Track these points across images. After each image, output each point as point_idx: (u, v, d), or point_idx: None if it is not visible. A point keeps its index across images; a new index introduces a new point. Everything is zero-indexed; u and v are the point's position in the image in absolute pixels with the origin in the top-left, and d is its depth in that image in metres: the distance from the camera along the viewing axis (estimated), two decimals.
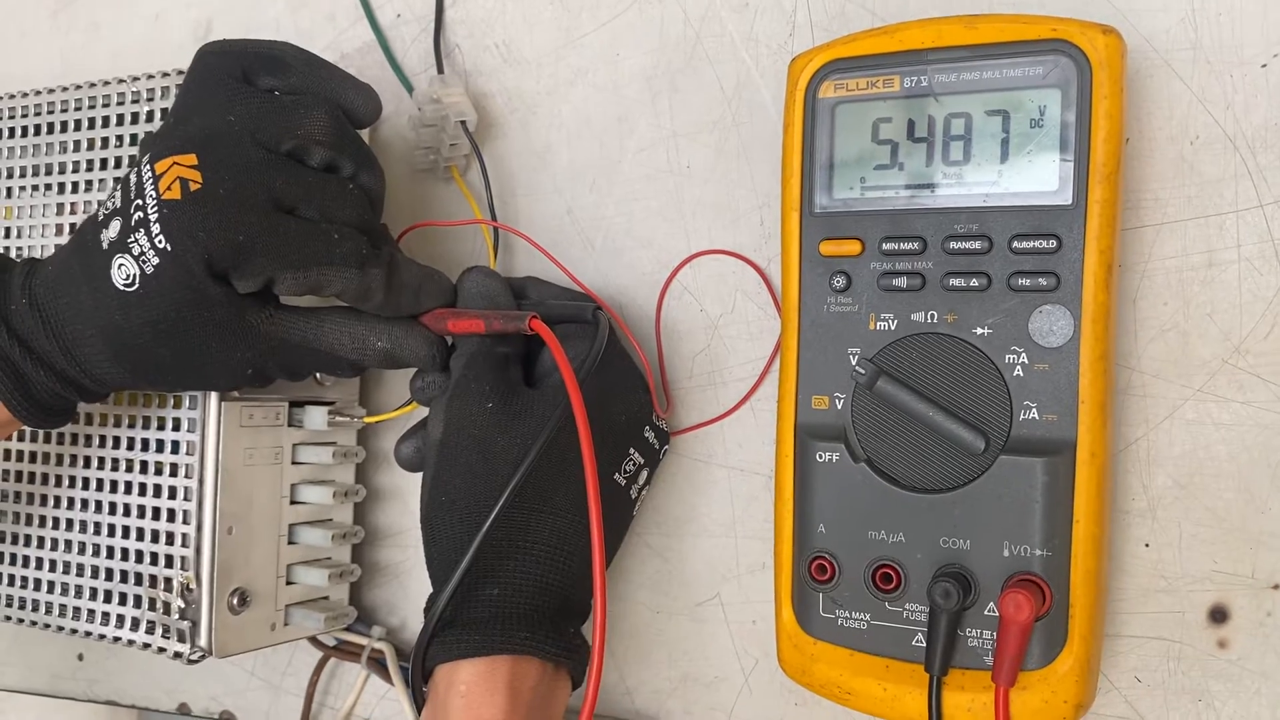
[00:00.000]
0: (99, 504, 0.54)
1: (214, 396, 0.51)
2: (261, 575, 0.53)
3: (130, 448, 0.53)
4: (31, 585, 0.56)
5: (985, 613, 0.43)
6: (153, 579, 0.52)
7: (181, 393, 0.52)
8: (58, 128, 0.58)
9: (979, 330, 0.43)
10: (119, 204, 0.44)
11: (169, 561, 0.52)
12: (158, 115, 0.55)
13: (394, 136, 0.60)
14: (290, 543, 0.55)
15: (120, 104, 0.56)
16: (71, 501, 0.55)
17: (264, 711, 0.64)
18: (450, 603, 0.45)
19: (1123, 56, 0.42)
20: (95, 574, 0.54)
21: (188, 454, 0.52)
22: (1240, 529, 0.45)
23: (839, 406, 0.46)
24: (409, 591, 0.60)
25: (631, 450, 0.49)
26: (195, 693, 0.66)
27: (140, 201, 0.43)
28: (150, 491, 0.53)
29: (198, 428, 0.51)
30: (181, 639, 0.51)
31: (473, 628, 0.45)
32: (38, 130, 0.59)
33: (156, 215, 0.42)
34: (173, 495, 0.52)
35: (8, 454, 0.57)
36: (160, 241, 0.42)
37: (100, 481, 0.54)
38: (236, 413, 0.51)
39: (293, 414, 0.54)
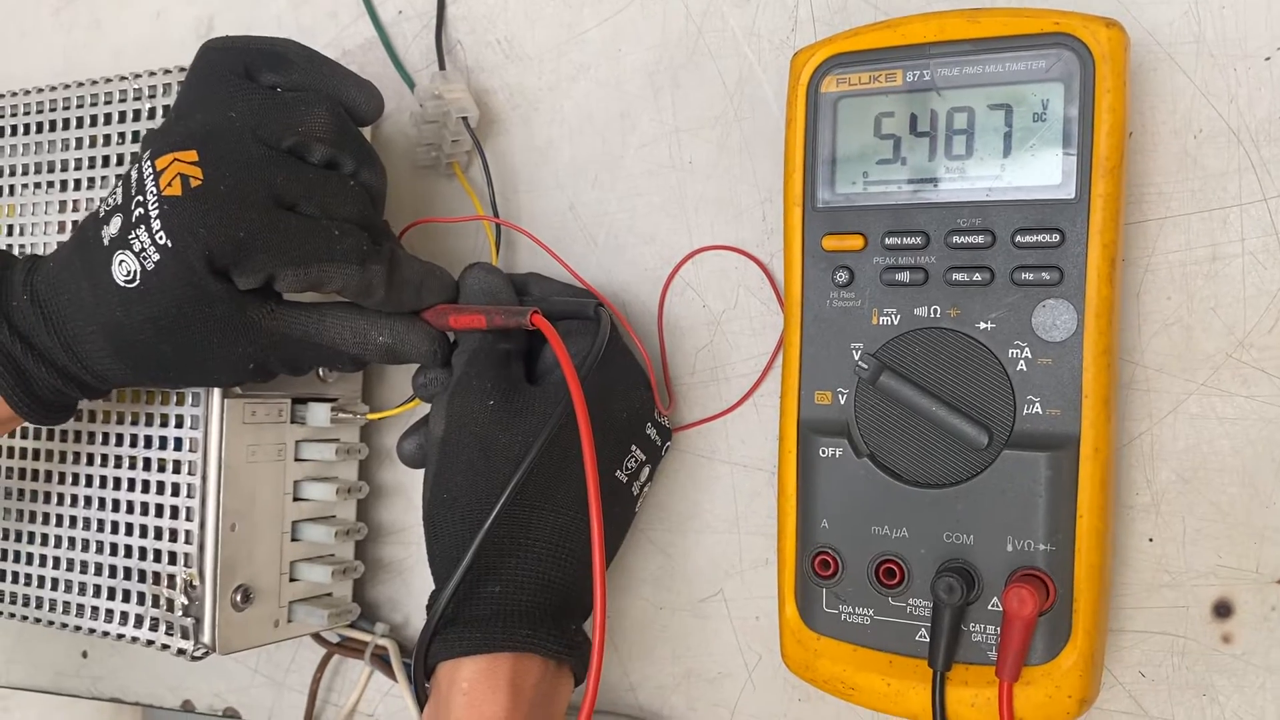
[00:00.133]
0: (102, 501, 0.54)
1: (217, 393, 0.51)
2: (265, 572, 0.53)
3: (133, 445, 0.53)
4: (36, 583, 0.56)
5: (989, 608, 0.43)
6: (156, 576, 0.52)
7: (183, 389, 0.52)
8: (59, 125, 0.58)
9: (982, 325, 0.43)
10: (120, 200, 0.44)
11: (172, 558, 0.52)
12: (159, 113, 0.55)
13: (396, 133, 0.60)
14: (293, 539, 0.55)
15: (122, 102, 0.56)
16: (75, 499, 0.55)
17: (267, 708, 0.64)
18: (452, 600, 0.45)
19: (1126, 50, 0.42)
20: (99, 571, 0.54)
21: (191, 451, 0.52)
22: (1244, 523, 0.45)
23: (842, 402, 0.45)
24: (412, 588, 0.60)
25: (633, 447, 0.49)
26: (199, 689, 0.66)
27: (141, 198, 0.43)
28: (153, 488, 0.53)
29: (200, 424, 0.51)
30: (185, 636, 0.51)
31: (475, 625, 0.45)
32: (39, 128, 0.59)
33: (157, 211, 0.42)
34: (176, 492, 0.52)
35: (11, 452, 0.58)
36: (161, 238, 0.42)
37: (104, 479, 0.54)
38: (239, 409, 0.51)
39: (295, 411, 0.54)
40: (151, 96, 0.55)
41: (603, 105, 0.56)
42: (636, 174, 0.55)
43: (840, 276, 0.45)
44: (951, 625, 0.42)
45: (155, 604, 0.52)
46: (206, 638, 0.51)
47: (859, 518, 0.45)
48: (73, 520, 0.55)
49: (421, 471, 0.50)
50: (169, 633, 0.52)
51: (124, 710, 0.78)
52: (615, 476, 0.48)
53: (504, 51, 0.58)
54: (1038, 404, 0.42)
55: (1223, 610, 0.45)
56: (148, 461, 0.53)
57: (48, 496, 0.56)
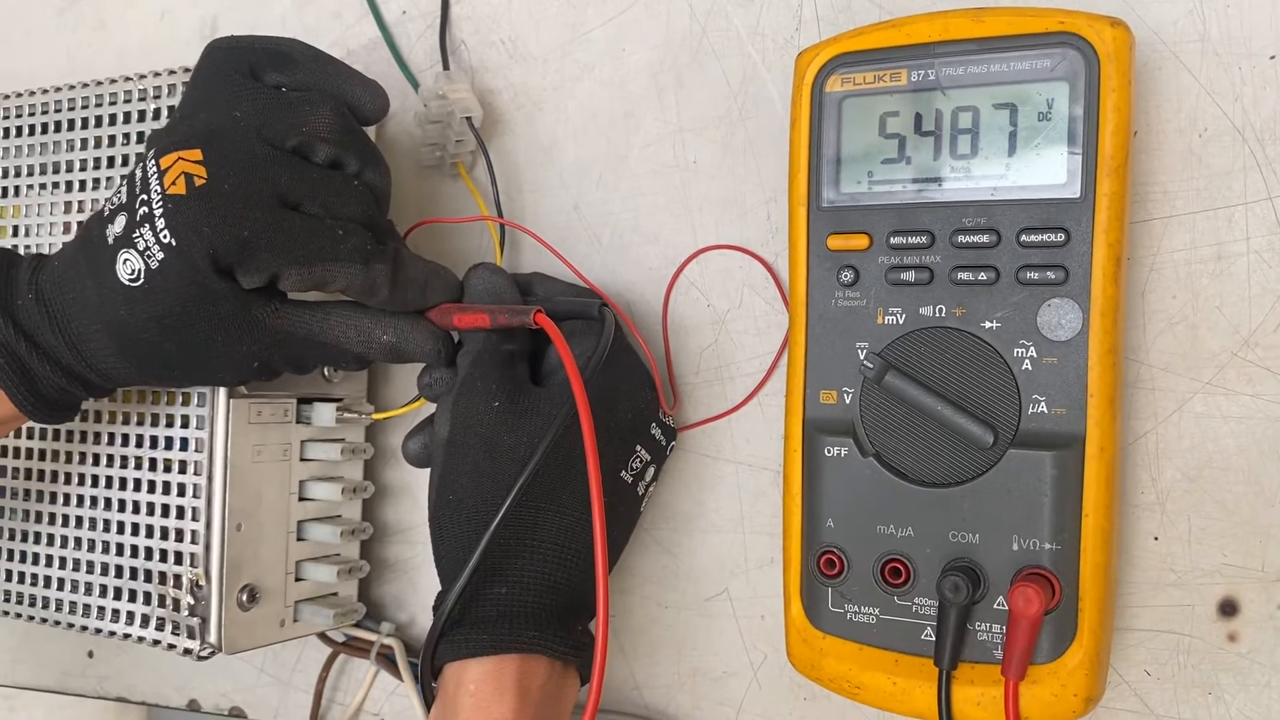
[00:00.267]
0: (108, 501, 0.54)
1: (222, 393, 0.51)
2: (270, 572, 0.53)
3: (139, 445, 0.54)
4: (42, 583, 0.56)
5: (994, 606, 0.43)
6: (162, 576, 0.52)
7: (188, 388, 0.52)
8: (64, 126, 0.58)
9: (987, 324, 0.43)
10: (124, 199, 0.44)
11: (178, 558, 0.52)
12: (164, 113, 0.55)
13: (400, 133, 0.60)
14: (299, 539, 0.55)
15: (126, 102, 0.56)
16: (81, 499, 0.55)
17: (273, 708, 0.64)
18: (458, 602, 0.45)
19: (1131, 49, 0.42)
20: (105, 571, 0.54)
21: (196, 451, 0.52)
22: (1250, 522, 0.45)
23: (847, 401, 0.45)
24: (418, 587, 0.60)
25: (638, 447, 0.49)
26: (205, 689, 0.66)
27: (145, 197, 0.43)
28: (159, 488, 0.53)
29: (206, 424, 0.51)
30: (191, 635, 0.51)
31: (481, 627, 0.45)
32: (44, 129, 0.59)
33: (161, 210, 0.42)
34: (182, 492, 0.52)
35: (17, 452, 0.58)
36: (165, 237, 0.42)
37: (109, 479, 0.54)
38: (245, 410, 0.52)
39: (301, 411, 0.55)
40: (156, 97, 0.55)
41: (607, 105, 0.56)
42: (641, 174, 0.55)
43: (845, 276, 0.45)
44: (957, 624, 0.42)
45: (161, 604, 0.52)
46: (212, 637, 0.51)
47: (864, 517, 0.45)
48: (78, 520, 0.55)
49: (427, 471, 0.50)
50: (175, 632, 0.52)
51: (130, 710, 0.78)
52: (620, 477, 0.48)
53: (508, 51, 0.58)
54: (1043, 403, 0.42)
55: (1228, 609, 0.45)
56: (153, 462, 0.53)
57: (53, 497, 0.56)
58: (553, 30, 0.57)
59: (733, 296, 0.53)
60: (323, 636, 0.60)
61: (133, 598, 0.53)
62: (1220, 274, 0.45)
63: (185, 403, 0.52)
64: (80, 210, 0.57)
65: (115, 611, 0.54)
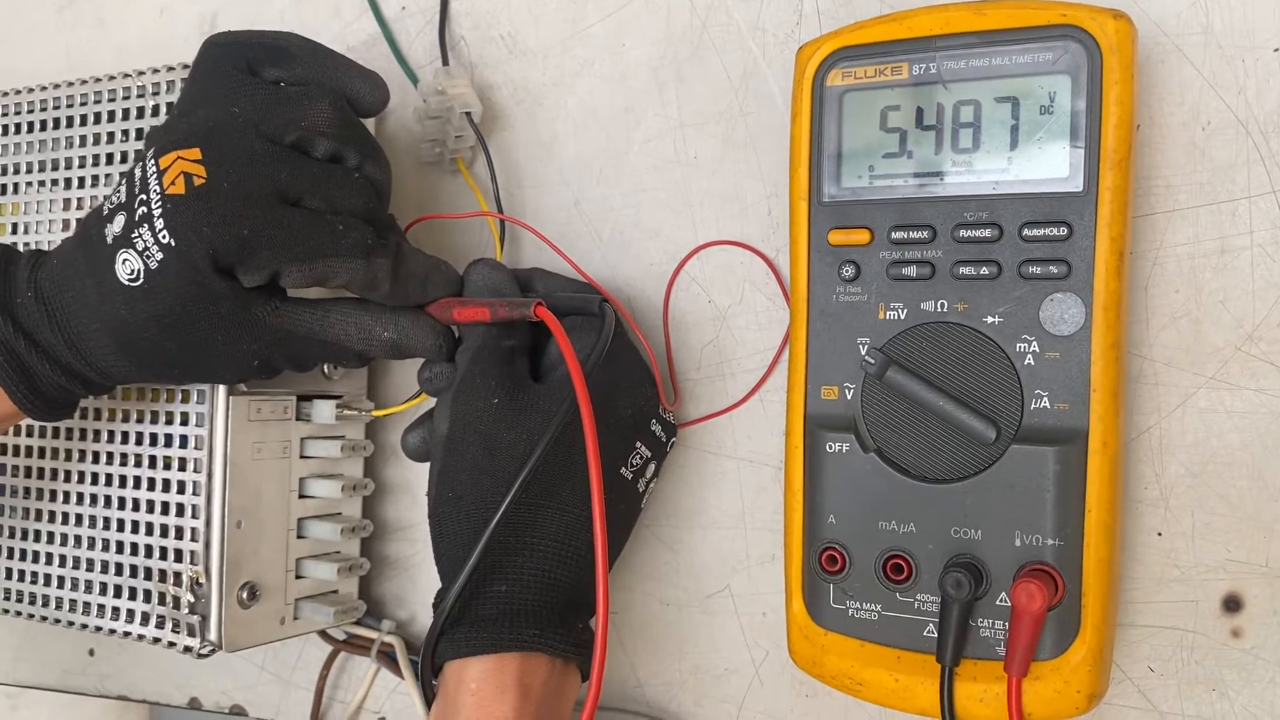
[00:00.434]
0: (108, 499, 0.54)
1: (222, 391, 0.51)
2: (270, 569, 0.53)
3: (139, 443, 0.53)
4: (42, 581, 0.56)
5: (997, 603, 0.42)
6: (162, 574, 0.52)
7: (188, 386, 0.52)
8: (63, 123, 0.58)
9: (989, 319, 0.43)
10: (124, 198, 0.44)
11: (178, 556, 0.52)
12: (163, 110, 0.55)
13: (399, 129, 0.60)
14: (299, 537, 0.55)
15: (125, 99, 0.56)
16: (81, 497, 0.55)
17: (274, 705, 0.64)
18: (458, 600, 0.45)
19: (1133, 42, 0.41)
20: (105, 569, 0.54)
21: (196, 448, 0.52)
22: (1254, 517, 0.44)
23: (848, 397, 0.45)
24: (418, 585, 0.60)
25: (638, 444, 0.49)
26: (206, 687, 0.66)
27: (145, 196, 0.43)
28: (159, 486, 0.53)
29: (206, 422, 0.51)
30: (191, 633, 0.51)
31: (481, 625, 0.45)
32: (44, 126, 0.59)
33: (160, 210, 0.42)
34: (181, 490, 0.52)
35: (17, 450, 0.58)
36: (164, 237, 0.42)
37: (109, 477, 0.54)
38: (244, 407, 0.51)
39: (300, 408, 0.54)
40: (155, 94, 0.55)
41: (607, 100, 0.56)
42: (641, 169, 0.55)
43: (846, 271, 0.45)
44: (960, 620, 0.42)
45: (161, 601, 0.52)
46: (213, 635, 0.51)
47: (866, 513, 0.45)
48: (79, 518, 0.55)
49: (427, 466, 0.50)
50: (175, 630, 0.52)
51: (131, 708, 0.78)
52: (620, 473, 0.48)
53: (507, 47, 0.58)
54: (1046, 398, 0.42)
55: (1232, 605, 0.45)
56: (153, 459, 0.53)
57: (54, 495, 0.56)
58: (552, 25, 0.57)
59: (734, 292, 0.53)
60: (323, 634, 0.60)
61: (133, 596, 0.53)
62: (1224, 268, 0.45)
63: (185, 400, 0.52)
64: (79, 207, 0.57)
65: (115, 609, 0.54)
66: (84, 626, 0.55)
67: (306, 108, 0.45)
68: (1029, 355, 0.42)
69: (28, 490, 0.57)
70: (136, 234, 0.43)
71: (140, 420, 0.53)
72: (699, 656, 0.54)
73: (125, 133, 0.56)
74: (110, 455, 0.54)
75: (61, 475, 0.56)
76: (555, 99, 0.57)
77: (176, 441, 0.52)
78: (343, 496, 0.55)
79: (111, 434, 0.54)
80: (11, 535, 0.57)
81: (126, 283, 0.43)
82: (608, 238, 0.56)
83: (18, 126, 0.59)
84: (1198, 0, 0.45)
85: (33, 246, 0.58)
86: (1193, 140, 0.45)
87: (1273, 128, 0.44)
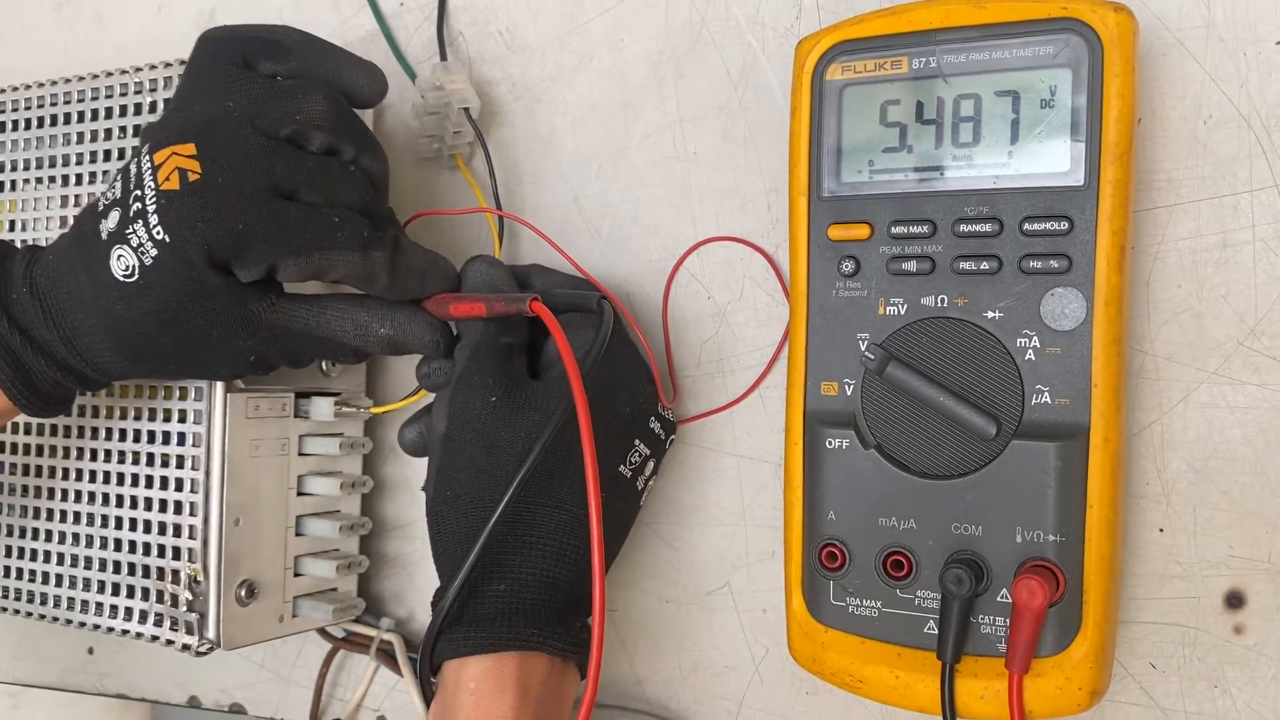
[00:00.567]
0: (106, 497, 0.54)
1: (219, 388, 0.51)
2: (269, 567, 0.53)
3: (136, 440, 0.53)
4: (40, 579, 0.56)
5: (998, 599, 0.42)
6: (160, 571, 0.52)
7: (184, 381, 0.52)
8: (61, 120, 0.58)
9: (990, 314, 0.43)
10: (119, 194, 0.44)
11: (176, 554, 0.52)
12: (161, 107, 0.55)
13: (398, 125, 0.59)
14: (297, 534, 0.54)
15: (123, 95, 0.56)
16: (79, 495, 0.55)
17: (274, 703, 0.64)
18: (457, 599, 0.45)
19: (1134, 35, 0.41)
20: (103, 567, 0.54)
21: (194, 446, 0.51)
22: (1256, 513, 0.44)
23: (848, 393, 0.45)
24: (417, 582, 0.60)
25: (637, 442, 0.49)
26: (205, 685, 0.66)
27: (139, 192, 0.43)
28: (157, 484, 0.52)
29: (203, 419, 0.51)
30: (189, 631, 0.51)
31: (480, 624, 0.45)
32: (41, 122, 0.58)
33: (155, 206, 0.42)
34: (179, 487, 0.52)
35: (14, 448, 0.57)
36: (159, 233, 0.42)
37: (107, 474, 0.54)
38: (242, 404, 0.51)
39: (299, 405, 0.54)
40: (153, 90, 0.55)
41: (606, 96, 0.55)
42: (640, 165, 0.55)
43: (846, 266, 0.45)
44: (960, 617, 0.42)
45: (160, 600, 0.52)
46: (211, 633, 0.51)
47: (866, 509, 0.44)
48: (77, 516, 0.55)
49: (424, 462, 0.50)
50: (173, 628, 0.52)
51: (131, 706, 0.78)
52: (619, 471, 0.48)
53: (506, 42, 0.58)
54: (1047, 393, 0.42)
55: (1234, 601, 0.45)
56: (151, 457, 0.53)
57: (52, 493, 0.56)
58: (551, 21, 0.57)
59: (733, 288, 0.53)
60: (322, 632, 0.60)
61: (131, 594, 0.53)
62: (1225, 262, 0.45)
63: (183, 397, 0.52)
64: (77, 204, 0.57)
65: (113, 607, 0.54)
66: (82, 625, 0.55)
67: (301, 101, 0.44)
68: (1030, 350, 0.42)
69: (25, 488, 0.57)
70: (131, 230, 0.42)
71: (138, 418, 0.53)
72: (699, 654, 0.54)
73: (123, 129, 0.56)
74: (108, 453, 0.54)
75: (59, 473, 0.56)
76: (554, 94, 0.57)
77: (174, 439, 0.52)
78: (341, 494, 0.55)
79: (109, 431, 0.54)
80: (9, 533, 0.57)
81: (122, 278, 0.43)
82: (606, 234, 0.55)
83: (15, 124, 0.59)
84: None
85: (30, 243, 0.58)
86: (1194, 134, 0.45)
87: (1275, 121, 0.44)
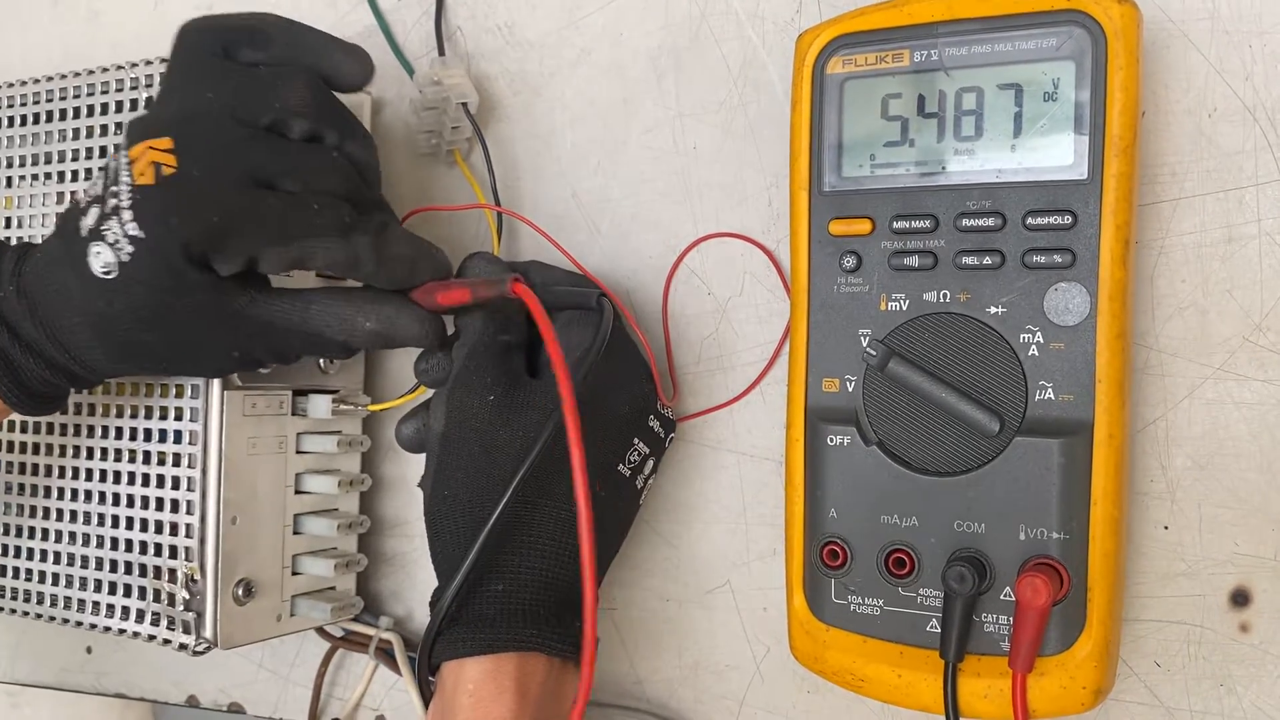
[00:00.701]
0: (103, 496, 0.54)
1: (216, 385, 0.50)
2: (267, 566, 0.52)
3: (133, 438, 0.53)
4: (37, 578, 0.56)
5: (1001, 597, 0.42)
6: (157, 570, 0.52)
7: (174, 378, 0.51)
8: (57, 116, 0.57)
9: (993, 309, 0.42)
10: (99, 191, 0.43)
11: (173, 552, 0.51)
12: None
13: (395, 120, 0.59)
14: (295, 533, 0.54)
15: (119, 91, 0.55)
16: (75, 493, 0.55)
17: (272, 703, 0.64)
18: (455, 599, 0.44)
19: (1138, 27, 0.41)
20: (101, 566, 0.54)
21: (190, 444, 0.51)
22: (1262, 510, 0.44)
23: (850, 389, 0.45)
24: (415, 581, 0.59)
25: (636, 440, 0.49)
26: (204, 684, 0.66)
27: (115, 188, 0.42)
28: (154, 482, 0.52)
29: (200, 417, 0.51)
30: (187, 630, 0.51)
31: (479, 625, 0.44)
32: (38, 119, 0.58)
33: (129, 202, 0.41)
34: (176, 486, 0.51)
35: (10, 447, 0.57)
36: (133, 229, 0.41)
37: (103, 473, 0.54)
38: (239, 402, 0.51)
39: (296, 402, 0.54)
40: (149, 86, 0.55)
41: (605, 91, 0.55)
42: (640, 160, 0.54)
43: (848, 262, 0.45)
44: (963, 615, 0.42)
45: (157, 599, 0.52)
46: (208, 632, 0.50)
47: (868, 507, 0.44)
48: (74, 515, 0.55)
49: (423, 459, 0.49)
50: (171, 627, 0.51)
51: (130, 706, 0.78)
52: (618, 470, 0.48)
53: (504, 37, 0.57)
54: (1050, 389, 0.42)
55: (1240, 599, 0.44)
56: (148, 455, 0.52)
57: (48, 492, 0.56)
58: (549, 15, 0.56)
59: (734, 284, 0.52)
60: (321, 631, 0.60)
61: (128, 593, 0.53)
62: (1231, 257, 0.44)
63: (179, 395, 0.52)
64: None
65: (110, 607, 0.53)
66: (79, 624, 0.54)
67: (281, 88, 0.44)
68: (1033, 346, 0.42)
69: (22, 487, 0.57)
70: (107, 226, 0.42)
71: (134, 416, 0.53)
72: (699, 653, 0.53)
73: (119, 125, 0.55)
74: (104, 451, 0.54)
75: (55, 471, 0.55)
76: (553, 90, 0.56)
77: (171, 437, 0.52)
78: (339, 492, 0.55)
79: (105, 430, 0.54)
80: (6, 533, 0.57)
81: (102, 276, 0.42)
82: (606, 230, 0.55)
83: (11, 120, 0.59)
84: None
85: (25, 240, 0.58)
86: (1199, 127, 0.45)
87: None
